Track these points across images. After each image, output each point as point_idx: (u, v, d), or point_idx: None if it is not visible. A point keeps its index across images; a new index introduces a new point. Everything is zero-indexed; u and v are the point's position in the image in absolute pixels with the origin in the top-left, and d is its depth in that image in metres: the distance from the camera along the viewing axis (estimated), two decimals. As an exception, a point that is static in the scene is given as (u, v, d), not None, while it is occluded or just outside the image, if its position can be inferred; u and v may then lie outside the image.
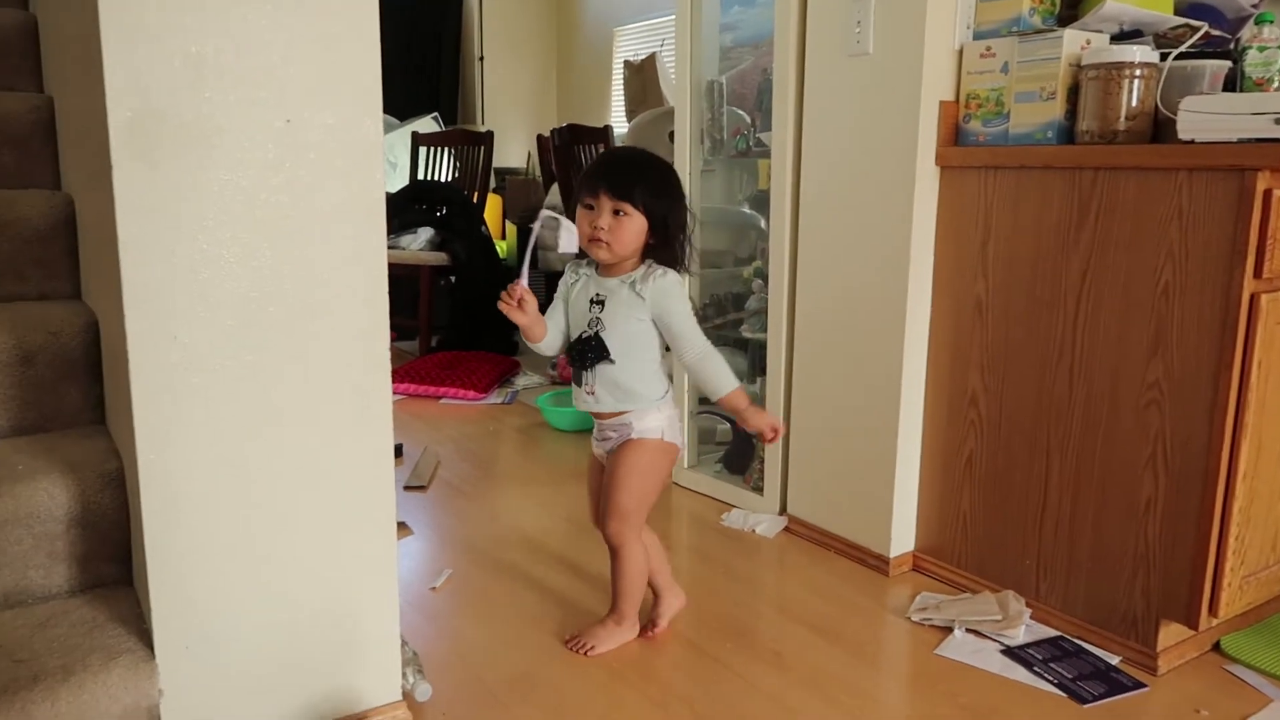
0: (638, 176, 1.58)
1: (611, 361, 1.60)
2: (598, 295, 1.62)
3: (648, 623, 1.77)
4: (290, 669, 1.35)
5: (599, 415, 1.67)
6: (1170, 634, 1.66)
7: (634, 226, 1.57)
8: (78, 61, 1.41)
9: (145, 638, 1.28)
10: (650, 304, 1.58)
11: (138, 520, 1.27)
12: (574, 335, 1.65)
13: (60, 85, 1.84)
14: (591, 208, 1.58)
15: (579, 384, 1.65)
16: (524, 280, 1.57)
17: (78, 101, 1.52)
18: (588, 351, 1.61)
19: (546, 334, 1.65)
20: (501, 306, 1.57)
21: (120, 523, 1.40)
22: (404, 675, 1.48)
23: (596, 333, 1.61)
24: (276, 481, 1.30)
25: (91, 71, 1.20)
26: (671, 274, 1.61)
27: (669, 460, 1.68)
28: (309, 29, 1.23)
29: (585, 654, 1.68)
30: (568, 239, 1.55)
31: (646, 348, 1.62)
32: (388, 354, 1.37)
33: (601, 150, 4.06)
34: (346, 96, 1.27)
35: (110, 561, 1.41)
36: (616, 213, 1.56)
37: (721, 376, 1.62)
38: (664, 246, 1.61)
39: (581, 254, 1.64)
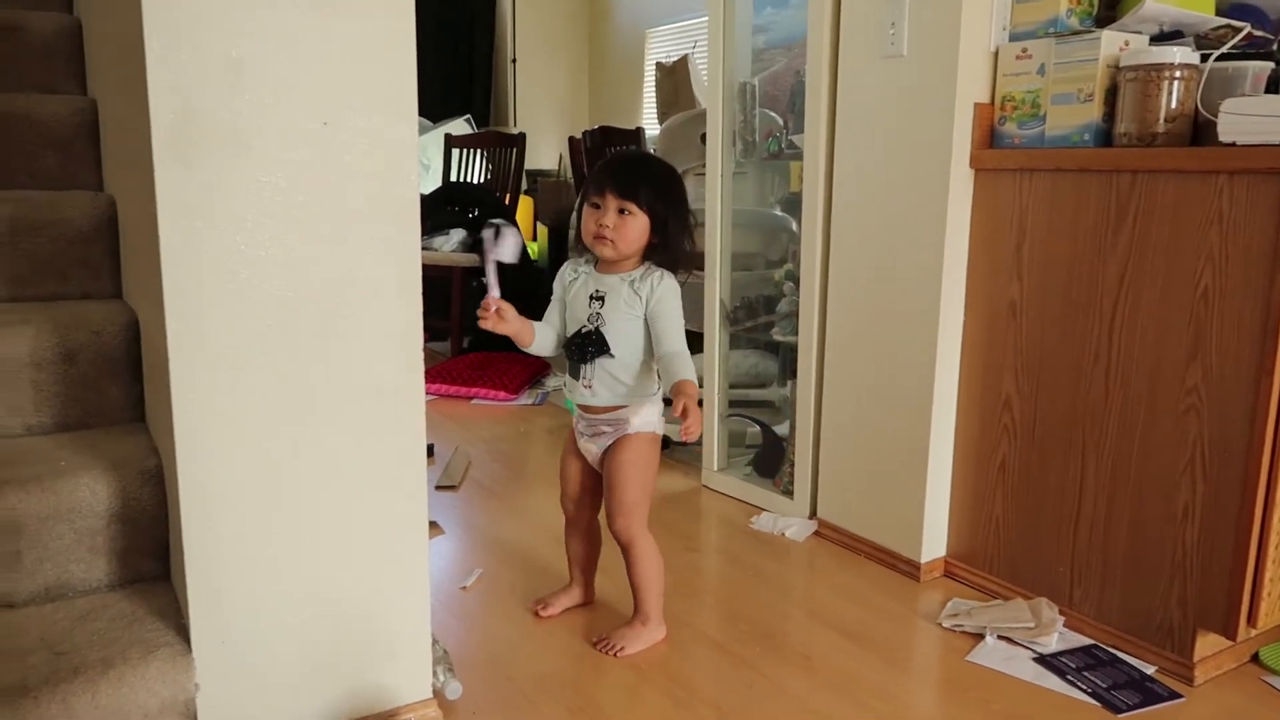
0: (643, 178, 1.63)
1: (612, 355, 1.64)
2: (598, 291, 1.66)
3: (539, 600, 1.85)
4: (323, 665, 1.37)
5: (592, 410, 1.70)
6: (1207, 644, 1.63)
7: (638, 225, 1.62)
8: (121, 64, 1.43)
9: (182, 632, 1.30)
10: (645, 302, 1.63)
11: (176, 517, 1.29)
12: (572, 330, 1.69)
13: (103, 88, 1.87)
14: (598, 206, 1.63)
15: (576, 377, 1.69)
16: (495, 292, 1.62)
17: (121, 104, 1.54)
18: (588, 345, 1.65)
19: (536, 337, 1.70)
20: (483, 325, 1.61)
21: (159, 519, 1.42)
22: (434, 673, 1.49)
23: (597, 327, 1.65)
24: (311, 480, 1.32)
25: (135, 74, 1.22)
26: (670, 278, 1.66)
27: (659, 450, 1.74)
28: (346, 32, 1.24)
29: (615, 655, 1.69)
30: (510, 247, 1.60)
31: (643, 345, 1.66)
32: (421, 354, 1.38)
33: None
34: (382, 99, 1.28)
35: (149, 557, 1.44)
36: (621, 211, 1.61)
37: (685, 368, 1.62)
38: (664, 247, 1.65)
39: (581, 251, 1.70)
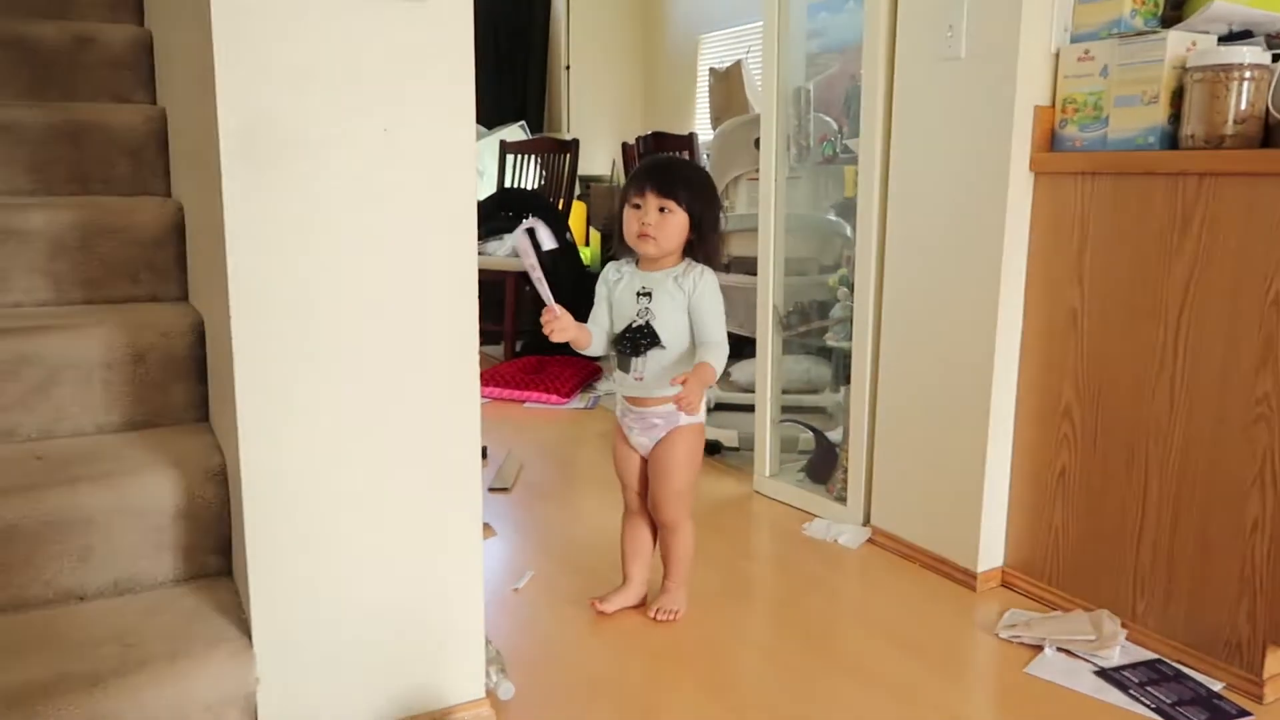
0: (680, 178, 1.72)
1: (663, 347, 1.71)
2: (644, 288, 1.73)
3: (598, 599, 1.86)
4: (379, 662, 1.39)
5: (642, 402, 1.76)
6: (1278, 660, 1.58)
7: (677, 222, 1.69)
8: (191, 74, 1.48)
9: (244, 627, 1.33)
10: (689, 295, 1.71)
11: (239, 515, 1.32)
12: (620, 327, 1.75)
13: (172, 97, 1.93)
14: (639, 207, 1.70)
15: (626, 370, 1.75)
16: (551, 300, 1.68)
17: (190, 112, 1.59)
18: (640, 339, 1.72)
19: (593, 339, 1.77)
20: (550, 334, 1.68)
21: (222, 516, 1.46)
22: (487, 674, 1.51)
23: (647, 321, 1.72)
24: (369, 481, 1.34)
25: (204, 83, 1.25)
26: (710, 273, 1.73)
27: (704, 439, 1.83)
28: (406, 40, 1.27)
29: (674, 620, 1.79)
30: (545, 236, 1.70)
31: (689, 336, 1.72)
32: (476, 358, 1.40)
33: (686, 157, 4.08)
34: (441, 106, 1.30)
35: (213, 553, 1.47)
36: (661, 210, 1.69)
37: (713, 356, 1.68)
38: (701, 244, 1.73)
39: (623, 253, 1.78)
